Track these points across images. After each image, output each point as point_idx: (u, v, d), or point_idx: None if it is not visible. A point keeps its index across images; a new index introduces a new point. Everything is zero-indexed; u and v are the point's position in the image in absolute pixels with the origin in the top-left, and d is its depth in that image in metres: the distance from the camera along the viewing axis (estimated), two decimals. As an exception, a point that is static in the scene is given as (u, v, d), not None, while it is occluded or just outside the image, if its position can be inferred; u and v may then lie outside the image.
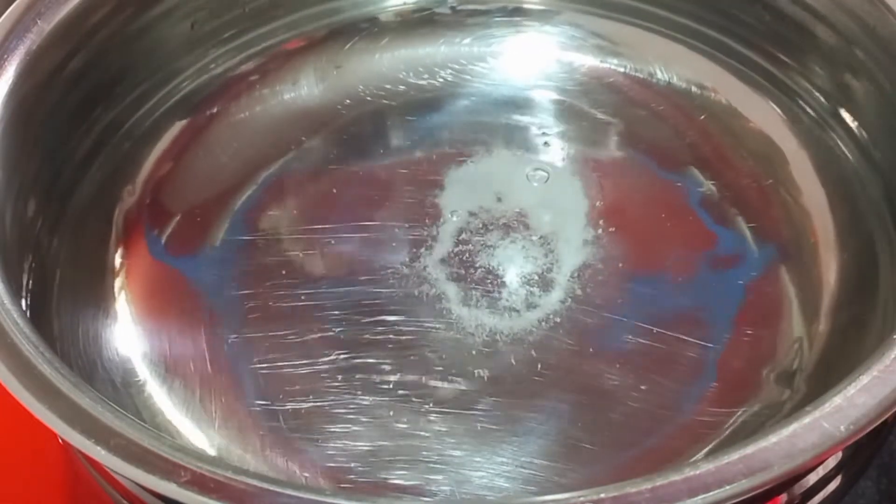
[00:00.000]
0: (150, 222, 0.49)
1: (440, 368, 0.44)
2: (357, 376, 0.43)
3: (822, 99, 0.51)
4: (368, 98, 0.54)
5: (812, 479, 0.38)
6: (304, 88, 0.54)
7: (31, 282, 0.44)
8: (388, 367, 0.44)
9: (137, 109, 0.52)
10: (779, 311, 0.45)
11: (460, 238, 0.48)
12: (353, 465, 0.41)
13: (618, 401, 0.42)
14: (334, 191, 0.50)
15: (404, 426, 0.42)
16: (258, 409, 0.43)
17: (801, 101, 0.51)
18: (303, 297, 0.46)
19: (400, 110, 0.53)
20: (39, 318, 0.43)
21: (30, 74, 0.45)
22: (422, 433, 0.42)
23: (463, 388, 0.43)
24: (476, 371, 0.43)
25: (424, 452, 0.41)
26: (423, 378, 0.43)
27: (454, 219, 0.49)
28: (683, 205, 0.49)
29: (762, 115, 0.52)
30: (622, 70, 0.54)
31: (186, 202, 0.50)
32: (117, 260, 0.48)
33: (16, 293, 0.39)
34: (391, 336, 0.45)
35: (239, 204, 0.49)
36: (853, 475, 0.41)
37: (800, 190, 0.49)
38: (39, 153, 0.46)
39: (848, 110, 0.49)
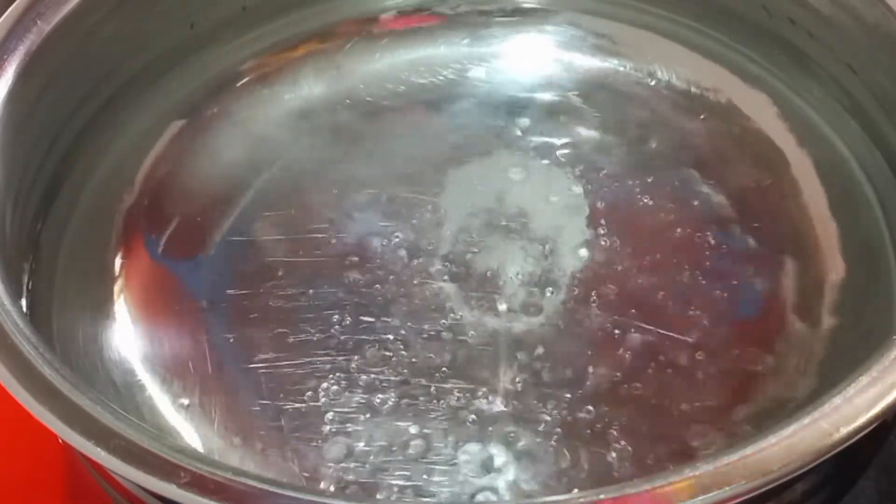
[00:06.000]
0: (150, 223, 0.49)
1: (440, 368, 0.44)
2: (356, 376, 0.43)
3: (823, 99, 0.51)
4: (368, 98, 0.54)
5: (810, 479, 0.38)
6: (304, 88, 0.54)
7: (31, 282, 0.44)
8: (387, 368, 0.44)
9: (137, 109, 0.52)
10: (778, 311, 0.45)
11: (460, 238, 0.48)
12: (353, 465, 0.41)
13: (617, 401, 0.42)
14: (334, 191, 0.50)
15: (405, 426, 0.42)
16: (258, 409, 0.43)
17: (801, 102, 0.51)
18: (302, 298, 0.46)
19: (400, 110, 0.53)
20: (39, 319, 0.43)
21: (30, 74, 0.45)
22: (422, 433, 0.42)
23: (463, 388, 0.43)
24: (476, 371, 0.43)
25: (424, 452, 0.41)
26: (423, 378, 0.43)
27: (454, 219, 0.48)
28: (683, 205, 0.49)
29: (762, 115, 0.52)
30: (622, 70, 0.54)
31: (186, 203, 0.50)
32: (117, 261, 0.48)
33: (16, 294, 0.39)
34: (391, 336, 0.45)
35: (238, 204, 0.49)
36: (853, 475, 0.41)
37: (800, 191, 0.49)
38: (39, 153, 0.46)
39: (848, 110, 0.50)
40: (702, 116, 0.52)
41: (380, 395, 0.43)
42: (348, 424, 0.42)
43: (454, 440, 0.42)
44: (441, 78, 0.54)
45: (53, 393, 0.34)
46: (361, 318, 0.45)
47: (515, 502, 0.40)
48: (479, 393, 0.43)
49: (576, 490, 0.40)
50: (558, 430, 0.42)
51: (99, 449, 0.33)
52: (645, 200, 0.49)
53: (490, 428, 0.42)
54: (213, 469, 0.32)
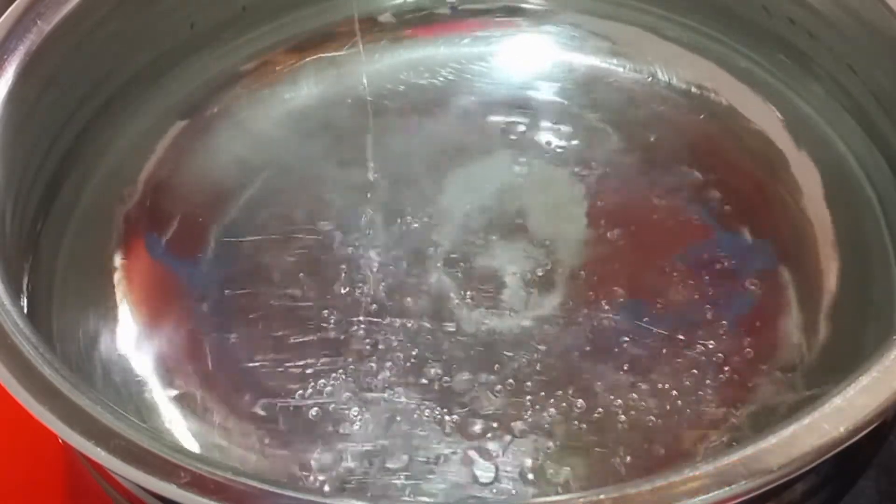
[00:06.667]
0: (150, 223, 0.49)
1: (440, 369, 0.44)
2: (357, 376, 0.44)
3: (823, 99, 0.51)
4: (368, 98, 0.54)
5: (810, 479, 0.38)
6: (304, 88, 0.54)
7: (31, 282, 0.44)
8: (387, 367, 0.44)
9: (137, 109, 0.52)
10: (778, 312, 0.45)
11: (461, 238, 0.48)
12: (353, 465, 0.41)
13: (617, 401, 0.42)
14: (334, 191, 0.50)
15: (404, 426, 0.42)
16: (258, 409, 0.43)
17: (801, 102, 0.51)
18: (302, 297, 0.46)
19: (400, 110, 0.53)
20: (39, 319, 0.43)
21: (30, 74, 0.45)
22: (422, 433, 0.42)
23: (463, 388, 0.43)
24: (476, 371, 0.43)
25: (424, 452, 0.41)
26: (423, 378, 0.43)
27: (455, 219, 0.49)
28: (683, 205, 0.49)
29: (762, 115, 0.52)
30: (622, 70, 0.54)
31: (186, 203, 0.50)
32: (117, 260, 0.48)
33: (16, 294, 0.39)
34: (391, 336, 0.45)
35: (239, 204, 0.49)
36: (853, 475, 0.41)
37: (800, 190, 0.49)
38: (39, 153, 0.46)
39: (848, 110, 0.49)
40: (702, 116, 0.52)
41: (379, 395, 0.43)
42: (348, 424, 0.42)
43: (454, 440, 0.42)
44: (441, 78, 0.54)
45: (53, 393, 0.34)
46: (361, 318, 0.45)
47: (516, 502, 0.40)
48: (480, 392, 0.43)
49: (576, 490, 0.40)
50: (558, 430, 0.42)
51: (99, 449, 0.33)
52: (645, 200, 0.49)
53: (490, 428, 0.42)
54: (213, 469, 0.32)
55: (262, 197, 0.50)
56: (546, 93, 0.53)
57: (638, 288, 0.46)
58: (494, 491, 0.40)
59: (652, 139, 0.51)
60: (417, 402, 0.43)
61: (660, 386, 0.43)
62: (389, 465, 0.41)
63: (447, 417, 0.42)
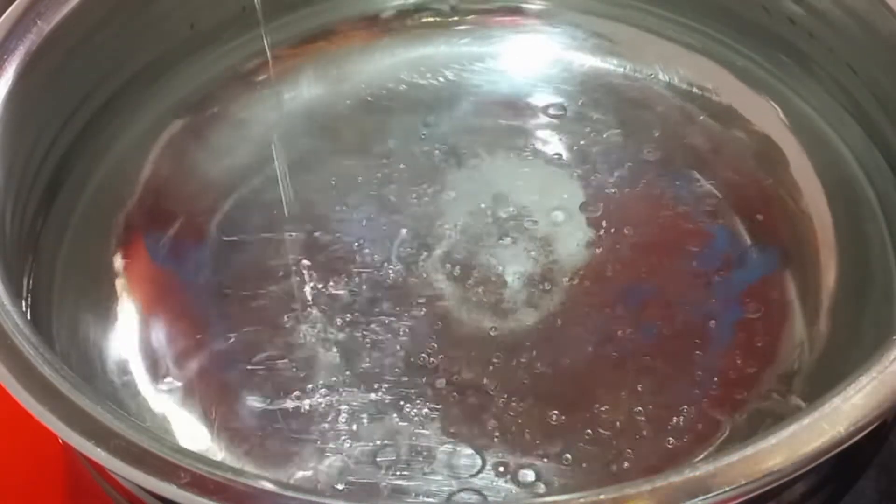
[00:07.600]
0: (150, 223, 0.49)
1: (440, 369, 0.44)
2: (357, 376, 0.44)
3: (823, 99, 0.51)
4: (368, 98, 0.54)
5: (810, 479, 0.38)
6: (304, 88, 0.54)
7: (31, 283, 0.44)
8: (387, 368, 0.44)
9: (137, 109, 0.52)
10: (779, 312, 0.45)
11: (460, 239, 0.48)
12: (352, 465, 0.41)
13: (617, 401, 0.42)
14: (334, 191, 0.50)
15: (404, 426, 0.42)
16: (258, 409, 0.43)
17: (801, 102, 0.51)
18: (302, 297, 0.46)
19: (400, 110, 0.53)
20: (40, 320, 0.43)
21: (30, 74, 0.45)
22: (422, 433, 0.42)
23: (462, 388, 0.43)
24: (476, 371, 0.43)
25: (424, 452, 0.41)
26: (423, 378, 0.43)
27: (455, 219, 0.49)
28: (683, 205, 0.49)
29: (762, 115, 0.52)
30: (622, 70, 0.54)
31: (186, 202, 0.50)
32: (117, 261, 0.48)
33: (16, 294, 0.39)
34: (391, 336, 0.45)
35: (238, 204, 0.50)
36: (853, 475, 0.41)
37: (800, 191, 0.49)
38: (39, 153, 0.46)
39: (848, 110, 0.50)
40: (701, 117, 0.52)
41: (379, 395, 0.43)
42: (348, 424, 0.42)
43: (454, 440, 0.42)
44: (441, 78, 0.54)
45: (53, 393, 0.34)
46: (361, 318, 0.45)
47: (516, 502, 0.40)
48: (480, 393, 0.43)
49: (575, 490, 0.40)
50: (558, 430, 0.42)
51: (99, 449, 0.33)
52: (645, 200, 0.49)
53: (489, 427, 0.42)
54: (213, 469, 0.32)
55: (261, 197, 0.50)
56: (546, 93, 0.53)
57: (638, 288, 0.46)
58: (493, 490, 0.40)
59: (652, 139, 0.51)
60: (417, 402, 0.43)
61: (660, 385, 0.43)
62: (389, 464, 0.41)
63: (447, 417, 0.42)
